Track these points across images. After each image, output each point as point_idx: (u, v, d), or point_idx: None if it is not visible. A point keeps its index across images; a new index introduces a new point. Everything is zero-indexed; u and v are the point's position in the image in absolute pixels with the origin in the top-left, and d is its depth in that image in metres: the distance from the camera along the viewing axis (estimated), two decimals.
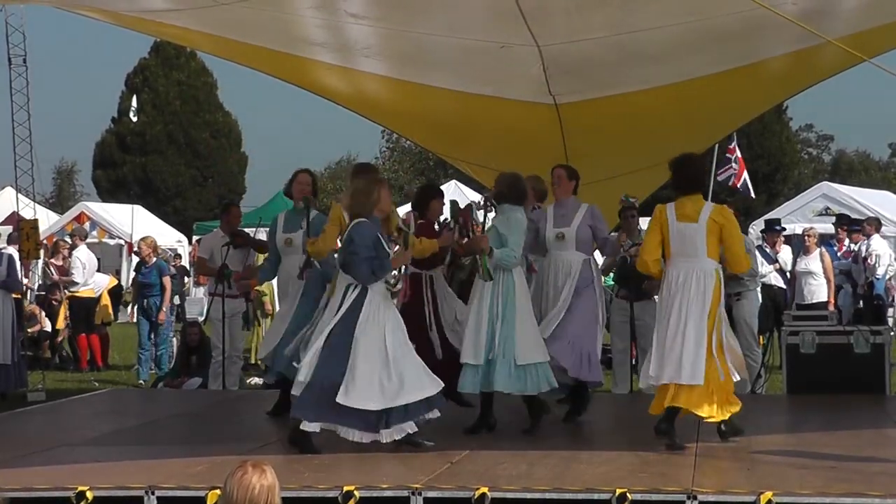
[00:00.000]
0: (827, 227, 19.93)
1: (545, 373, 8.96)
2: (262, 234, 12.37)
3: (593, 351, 9.55)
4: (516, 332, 8.87)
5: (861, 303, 15.91)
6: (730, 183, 21.31)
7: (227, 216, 12.84)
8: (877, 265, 16.77)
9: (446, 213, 9.65)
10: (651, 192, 14.37)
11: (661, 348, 8.39)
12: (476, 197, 24.67)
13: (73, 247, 18.16)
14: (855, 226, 17.67)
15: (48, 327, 17.91)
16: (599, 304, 9.71)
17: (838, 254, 16.97)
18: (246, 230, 12.92)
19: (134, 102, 37.37)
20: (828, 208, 23.13)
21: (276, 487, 4.24)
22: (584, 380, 9.58)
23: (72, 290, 17.31)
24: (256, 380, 14.63)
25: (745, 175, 21.51)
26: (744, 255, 8.68)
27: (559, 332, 9.37)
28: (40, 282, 18.04)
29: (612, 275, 14.55)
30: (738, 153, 21.35)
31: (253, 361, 15.56)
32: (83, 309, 17.43)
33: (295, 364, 8.57)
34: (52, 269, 17.73)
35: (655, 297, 14.04)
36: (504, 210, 9.10)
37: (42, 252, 16.39)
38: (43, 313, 17.94)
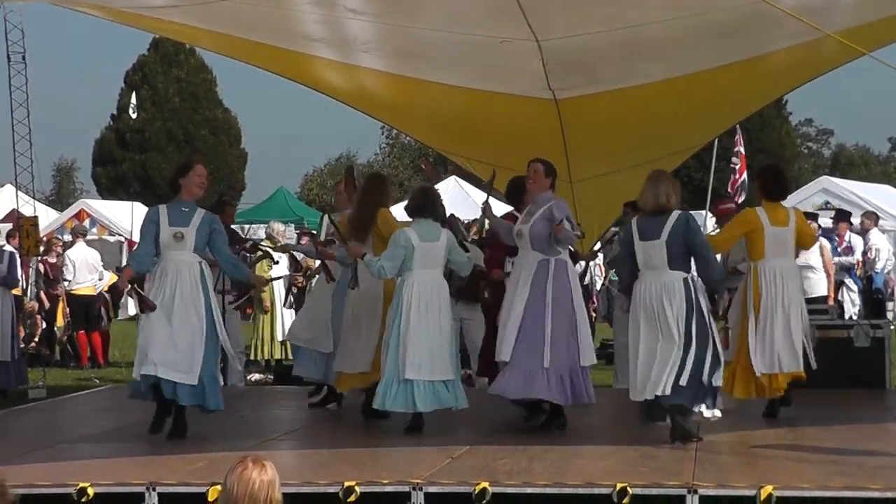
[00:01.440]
0: (826, 221, 19.93)
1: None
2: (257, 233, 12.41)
3: (537, 365, 8.83)
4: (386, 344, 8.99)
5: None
6: (728, 185, 21.20)
7: (221, 215, 12.91)
8: (876, 259, 16.79)
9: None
10: None
11: (772, 341, 9.28)
12: (474, 193, 24.67)
13: (71, 244, 18.17)
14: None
15: (43, 325, 17.89)
16: (550, 308, 8.88)
17: (839, 249, 16.98)
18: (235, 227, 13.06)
19: (133, 99, 37.31)
20: (828, 202, 23.12)
21: (277, 482, 4.24)
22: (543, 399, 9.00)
23: (67, 287, 17.33)
24: (258, 376, 14.65)
25: (745, 175, 21.21)
26: (812, 233, 10.26)
27: (513, 359, 8.86)
28: (33, 279, 18.04)
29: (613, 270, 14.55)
30: (741, 147, 21.12)
31: (253, 358, 15.56)
32: (81, 306, 17.44)
33: None
34: (43, 266, 17.71)
35: None
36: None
37: (41, 249, 16.41)
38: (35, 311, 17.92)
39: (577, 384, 8.89)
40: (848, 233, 17.01)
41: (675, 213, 8.45)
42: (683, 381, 8.21)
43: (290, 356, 15.98)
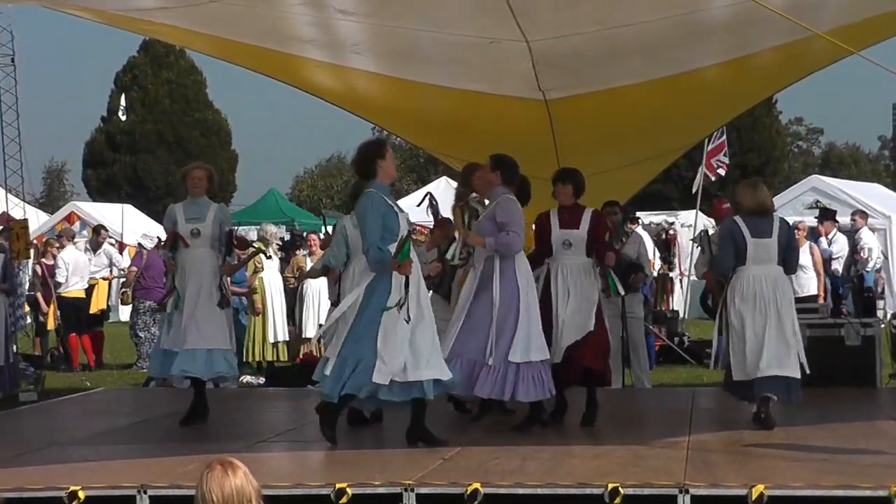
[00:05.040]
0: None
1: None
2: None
3: (480, 360, 8.80)
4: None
5: None
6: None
7: None
8: (868, 258, 16.82)
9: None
10: (642, 186, 14.39)
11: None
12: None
13: (60, 247, 18.16)
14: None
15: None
16: (499, 300, 8.84)
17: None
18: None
19: (123, 101, 37.25)
20: (818, 201, 23.15)
21: (249, 479, 4.23)
22: (479, 396, 8.93)
23: (58, 290, 17.32)
24: (249, 378, 14.63)
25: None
26: None
27: (451, 351, 8.84)
28: (30, 282, 18.03)
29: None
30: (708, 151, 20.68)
31: (245, 359, 15.54)
32: (72, 309, 17.41)
33: None
34: (40, 268, 17.71)
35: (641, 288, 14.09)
36: None
37: (32, 252, 16.38)
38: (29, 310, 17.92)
39: (522, 379, 8.83)
40: (835, 231, 17.06)
41: (777, 216, 9.37)
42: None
43: (282, 358, 16.02)
